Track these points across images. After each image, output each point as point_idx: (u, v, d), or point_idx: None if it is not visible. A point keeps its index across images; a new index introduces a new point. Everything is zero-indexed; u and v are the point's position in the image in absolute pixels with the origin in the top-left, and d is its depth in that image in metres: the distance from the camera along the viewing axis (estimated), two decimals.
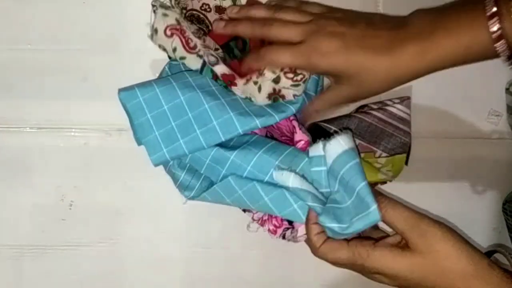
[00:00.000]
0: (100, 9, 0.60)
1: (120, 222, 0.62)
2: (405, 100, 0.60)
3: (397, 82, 0.50)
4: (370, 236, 0.52)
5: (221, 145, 0.53)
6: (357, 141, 0.60)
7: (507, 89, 0.63)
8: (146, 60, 0.60)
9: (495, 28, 0.45)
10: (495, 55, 0.46)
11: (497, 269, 0.46)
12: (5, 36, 0.60)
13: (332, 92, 0.53)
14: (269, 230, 0.56)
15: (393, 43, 0.48)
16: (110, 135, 0.61)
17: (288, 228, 0.55)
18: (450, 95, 0.63)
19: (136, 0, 0.60)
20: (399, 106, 0.60)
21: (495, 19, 0.45)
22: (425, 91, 0.63)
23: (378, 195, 0.49)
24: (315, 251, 0.51)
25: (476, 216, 0.64)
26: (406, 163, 0.61)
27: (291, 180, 0.50)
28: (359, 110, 0.61)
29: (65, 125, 0.61)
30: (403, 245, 0.48)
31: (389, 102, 0.61)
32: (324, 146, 0.50)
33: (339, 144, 0.49)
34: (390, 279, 0.48)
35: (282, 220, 0.55)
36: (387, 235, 0.52)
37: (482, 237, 0.64)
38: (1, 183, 0.61)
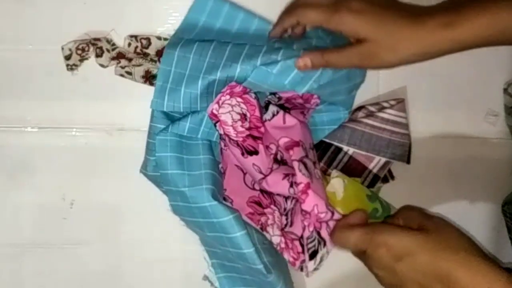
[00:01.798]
0: (100, 10, 0.60)
1: (120, 221, 0.62)
2: (398, 103, 0.61)
3: (420, 51, 0.50)
4: None
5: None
6: (353, 151, 0.61)
7: (505, 90, 0.63)
8: None
9: None
10: None
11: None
12: (6, 37, 0.60)
13: (353, 49, 0.51)
14: (289, 261, 0.58)
15: (420, 13, 0.49)
16: (111, 135, 0.62)
17: (304, 260, 0.56)
18: (448, 95, 0.63)
19: (135, 1, 0.61)
20: (391, 111, 0.60)
21: None
22: (423, 91, 0.63)
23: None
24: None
25: (475, 216, 0.64)
26: (408, 161, 0.61)
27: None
28: (354, 113, 0.61)
29: (66, 125, 0.61)
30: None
31: (385, 104, 0.61)
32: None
33: None
34: (394, 256, 0.48)
35: (298, 252, 0.57)
36: None
37: (481, 238, 0.64)
38: (2, 182, 0.61)
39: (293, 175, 0.55)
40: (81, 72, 0.61)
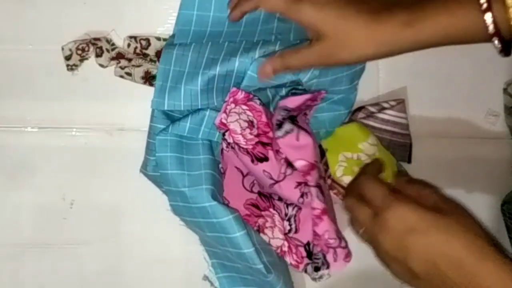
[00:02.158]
0: (100, 10, 0.60)
1: (120, 222, 0.62)
2: (398, 104, 0.61)
3: (379, 50, 0.49)
4: None
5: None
6: None
7: (505, 90, 0.63)
8: None
9: (485, 5, 0.44)
10: (486, 36, 0.45)
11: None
12: (6, 37, 0.60)
13: (309, 50, 0.51)
14: (291, 264, 0.59)
15: (381, 10, 0.48)
16: (111, 135, 0.62)
17: (308, 264, 0.58)
18: (448, 95, 0.64)
19: (135, 1, 0.61)
20: (391, 112, 0.60)
21: None
22: (423, 91, 0.63)
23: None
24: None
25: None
26: (409, 161, 0.61)
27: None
28: (354, 114, 0.61)
29: (66, 125, 0.61)
30: None
31: (385, 105, 0.61)
32: None
33: None
34: (407, 228, 0.47)
35: (303, 256, 0.58)
36: None
37: None
38: (2, 182, 0.61)
39: (306, 184, 0.55)
40: (81, 72, 0.61)
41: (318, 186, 0.55)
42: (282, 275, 0.57)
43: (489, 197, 0.64)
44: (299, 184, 0.55)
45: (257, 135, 0.56)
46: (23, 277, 0.62)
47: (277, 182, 0.56)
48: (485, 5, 0.44)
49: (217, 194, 0.55)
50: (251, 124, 0.56)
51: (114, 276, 0.62)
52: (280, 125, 0.56)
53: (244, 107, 0.56)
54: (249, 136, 0.55)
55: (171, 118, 0.57)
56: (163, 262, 0.63)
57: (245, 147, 0.55)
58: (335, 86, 0.58)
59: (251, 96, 0.56)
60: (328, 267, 0.57)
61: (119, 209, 0.62)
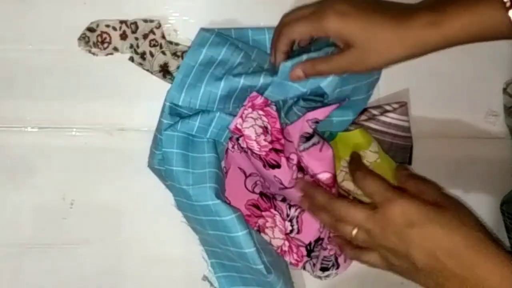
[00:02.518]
0: (101, 9, 0.60)
1: (120, 222, 0.62)
2: (401, 106, 0.61)
3: (406, 52, 0.49)
4: None
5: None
6: None
7: (504, 89, 0.63)
8: None
9: (509, 3, 0.45)
10: (511, 33, 0.46)
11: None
12: (6, 37, 0.60)
13: (340, 57, 0.52)
14: (291, 263, 0.59)
15: (406, 13, 0.49)
16: (111, 135, 0.62)
17: (307, 261, 0.59)
18: (448, 95, 0.64)
19: (135, 1, 0.61)
20: (393, 115, 0.60)
21: None
22: (423, 91, 0.63)
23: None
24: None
25: None
26: (410, 162, 0.61)
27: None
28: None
29: (66, 125, 0.61)
30: None
31: (388, 107, 0.61)
32: None
33: None
34: (407, 221, 0.48)
35: (303, 255, 0.58)
36: None
37: None
38: (2, 182, 0.61)
39: None
40: (82, 71, 0.61)
41: None
42: (282, 275, 0.57)
43: (489, 197, 0.65)
44: None
45: (271, 142, 0.56)
46: (23, 277, 0.62)
47: (286, 188, 0.56)
48: (509, 3, 0.45)
49: (221, 193, 0.55)
50: (265, 130, 0.56)
51: (114, 276, 0.62)
52: (309, 138, 0.55)
53: (261, 112, 0.56)
54: (263, 143, 0.55)
55: (180, 114, 0.57)
56: (163, 262, 0.63)
57: (258, 153, 0.55)
58: (354, 96, 0.58)
59: (269, 102, 0.56)
60: (337, 268, 0.59)
61: (119, 209, 0.62)
